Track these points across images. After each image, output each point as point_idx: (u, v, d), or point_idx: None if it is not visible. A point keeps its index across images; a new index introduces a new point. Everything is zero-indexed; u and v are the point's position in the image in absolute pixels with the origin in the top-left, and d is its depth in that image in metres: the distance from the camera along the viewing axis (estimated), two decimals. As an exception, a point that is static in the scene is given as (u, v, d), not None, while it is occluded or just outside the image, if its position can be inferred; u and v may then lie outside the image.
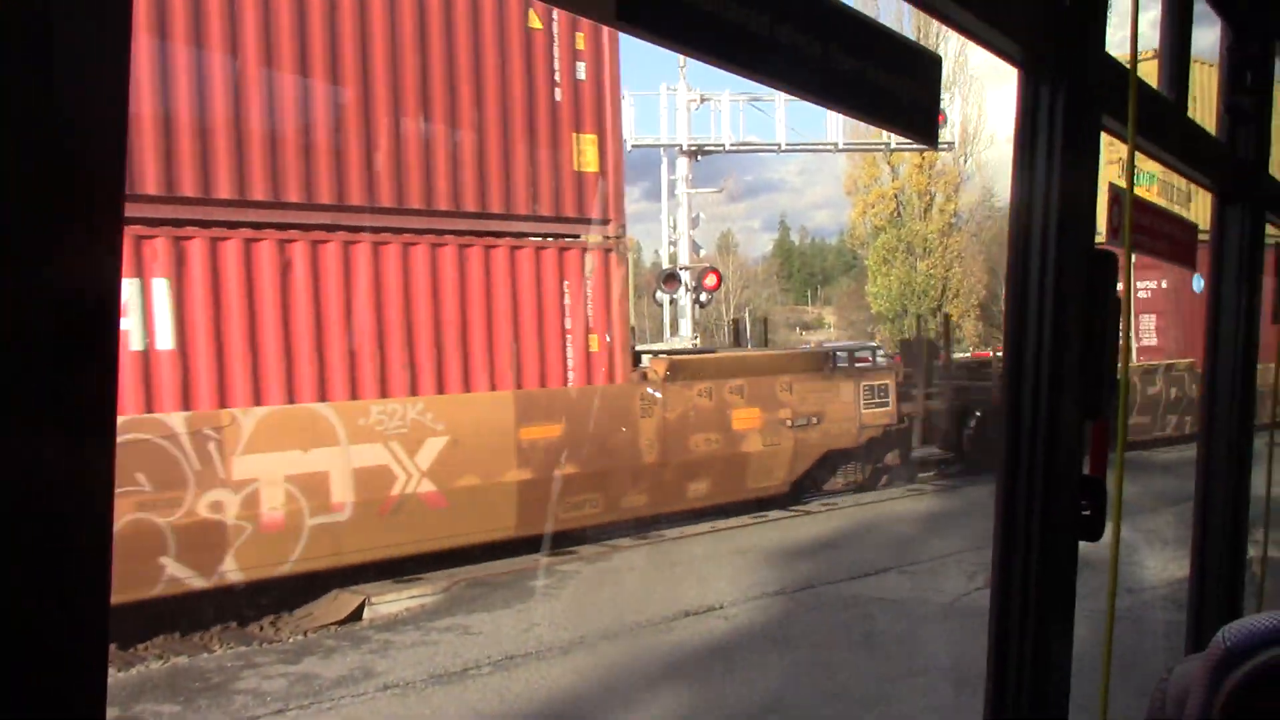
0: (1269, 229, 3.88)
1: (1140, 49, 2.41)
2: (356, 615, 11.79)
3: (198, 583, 10.80)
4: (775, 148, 26.75)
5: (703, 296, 23.40)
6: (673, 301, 23.34)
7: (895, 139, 26.91)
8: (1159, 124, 2.72)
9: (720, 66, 1.40)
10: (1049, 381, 2.17)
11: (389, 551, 12.23)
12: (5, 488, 0.71)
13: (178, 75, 10.70)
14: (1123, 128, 2.46)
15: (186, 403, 10.79)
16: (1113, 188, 2.71)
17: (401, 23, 12.11)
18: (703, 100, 25.44)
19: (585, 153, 13.74)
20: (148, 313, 10.56)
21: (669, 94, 25.30)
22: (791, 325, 69.34)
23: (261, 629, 11.78)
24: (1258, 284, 3.77)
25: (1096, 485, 2.29)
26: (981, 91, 44.76)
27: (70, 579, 0.76)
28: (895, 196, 44.77)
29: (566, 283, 13.55)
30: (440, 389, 12.50)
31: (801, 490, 17.02)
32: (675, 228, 25.41)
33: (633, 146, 25.67)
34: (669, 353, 17.16)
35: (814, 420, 16.48)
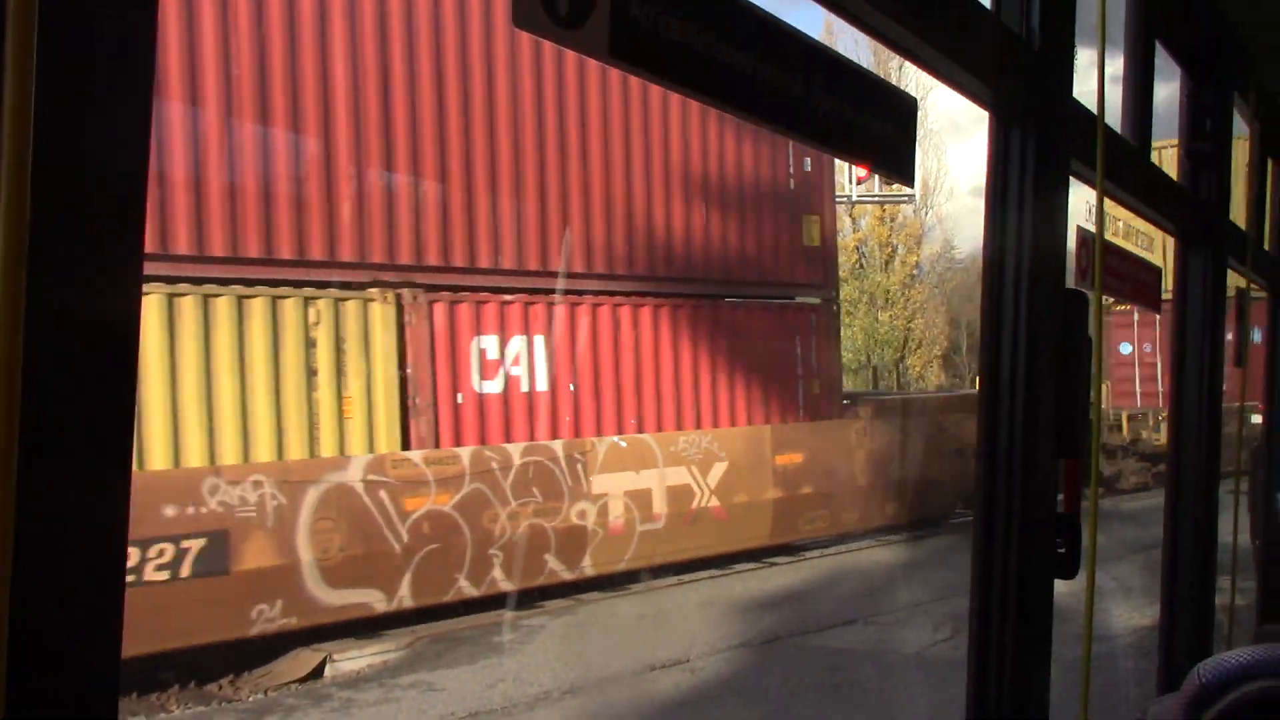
0: (1230, 275, 3.94)
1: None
2: (318, 673, 11.62)
3: (566, 575, 13.69)
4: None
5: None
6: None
7: (856, 192, 27.20)
8: (1124, 168, 2.76)
9: (707, 103, 1.42)
10: (1024, 420, 2.19)
11: (687, 554, 15.04)
12: (30, 513, 0.74)
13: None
14: (1090, 172, 2.50)
15: (555, 432, 13.70)
16: (1080, 231, 2.75)
17: (690, 142, 15.40)
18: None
19: (811, 230, 16.79)
20: (531, 363, 13.49)
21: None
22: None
23: (220, 688, 11.58)
24: (1221, 326, 3.82)
25: (1071, 523, 2.30)
26: (940, 145, 45.38)
27: (84, 599, 0.78)
28: (857, 248, 45.14)
29: (797, 337, 16.69)
30: (715, 423, 15.51)
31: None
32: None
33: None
34: (861, 395, 21.02)
35: (969, 450, 18.24)
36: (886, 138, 1.83)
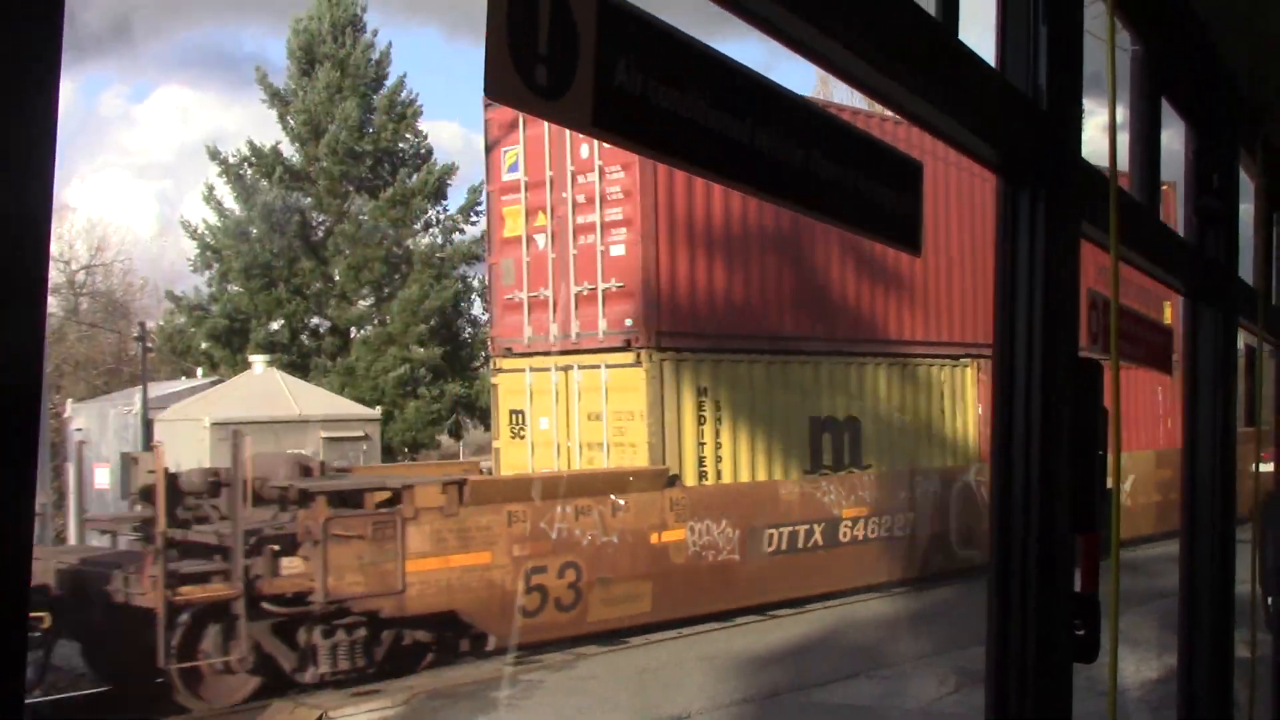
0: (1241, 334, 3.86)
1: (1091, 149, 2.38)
2: (313, 731, 11.42)
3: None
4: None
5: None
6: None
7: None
8: (1135, 229, 2.68)
9: (698, 174, 1.33)
10: (1039, 494, 2.08)
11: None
12: None
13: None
14: (1100, 233, 2.42)
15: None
16: (1090, 293, 2.66)
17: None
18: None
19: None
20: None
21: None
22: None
23: (214, 747, 11.39)
24: (1232, 382, 3.74)
25: (1090, 603, 2.19)
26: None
27: None
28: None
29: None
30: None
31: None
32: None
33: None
34: None
35: None
36: (893, 206, 1.74)
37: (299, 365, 31.42)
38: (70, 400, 27.38)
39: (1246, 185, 4.21)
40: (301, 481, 13.15)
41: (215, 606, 11.83)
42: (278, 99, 33.92)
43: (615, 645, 14.32)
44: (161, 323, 34.43)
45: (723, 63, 1.35)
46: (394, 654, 12.76)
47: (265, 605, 12.03)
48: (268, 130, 38.72)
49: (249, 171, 33.56)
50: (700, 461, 15.71)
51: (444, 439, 35.87)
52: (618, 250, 15.45)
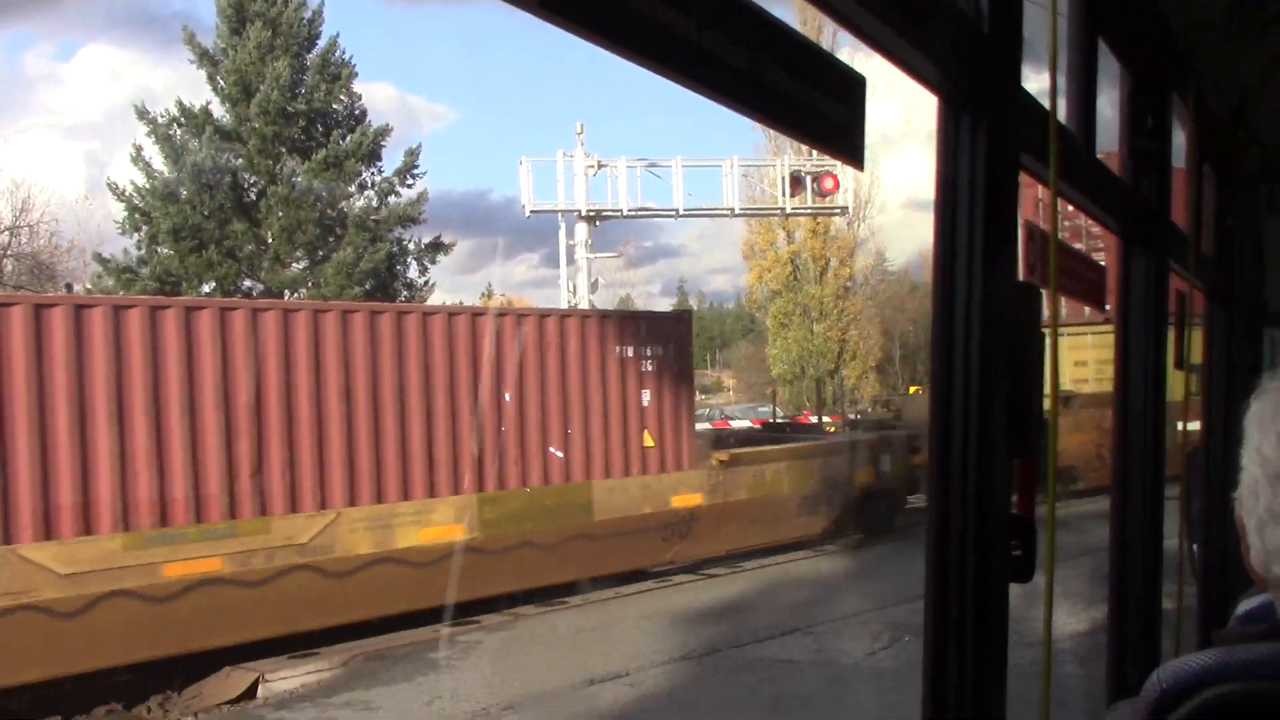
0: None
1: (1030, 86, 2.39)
2: (250, 693, 11.35)
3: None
4: (673, 213, 26.89)
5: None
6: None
7: (790, 204, 27.29)
8: (1072, 165, 2.70)
9: (646, 67, 1.31)
10: (978, 419, 2.10)
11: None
12: None
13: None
14: (1040, 166, 2.43)
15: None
16: (1028, 224, 2.69)
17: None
18: (600, 166, 25.51)
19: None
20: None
21: (566, 160, 25.34)
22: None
23: (149, 710, 11.28)
24: (1164, 328, 3.79)
25: (1026, 525, 2.22)
26: (874, 158, 45.71)
27: None
28: (791, 261, 45.35)
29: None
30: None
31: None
32: (575, 293, 25.37)
33: (531, 212, 25.69)
34: None
35: None
36: (837, 116, 1.73)
37: (232, 329, 30.94)
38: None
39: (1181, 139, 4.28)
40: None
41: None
42: (206, 58, 33.26)
43: (553, 605, 14.35)
44: (89, 286, 33.76)
45: None
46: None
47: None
48: (198, 90, 37.90)
49: (178, 132, 32.90)
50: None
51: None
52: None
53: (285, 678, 11.47)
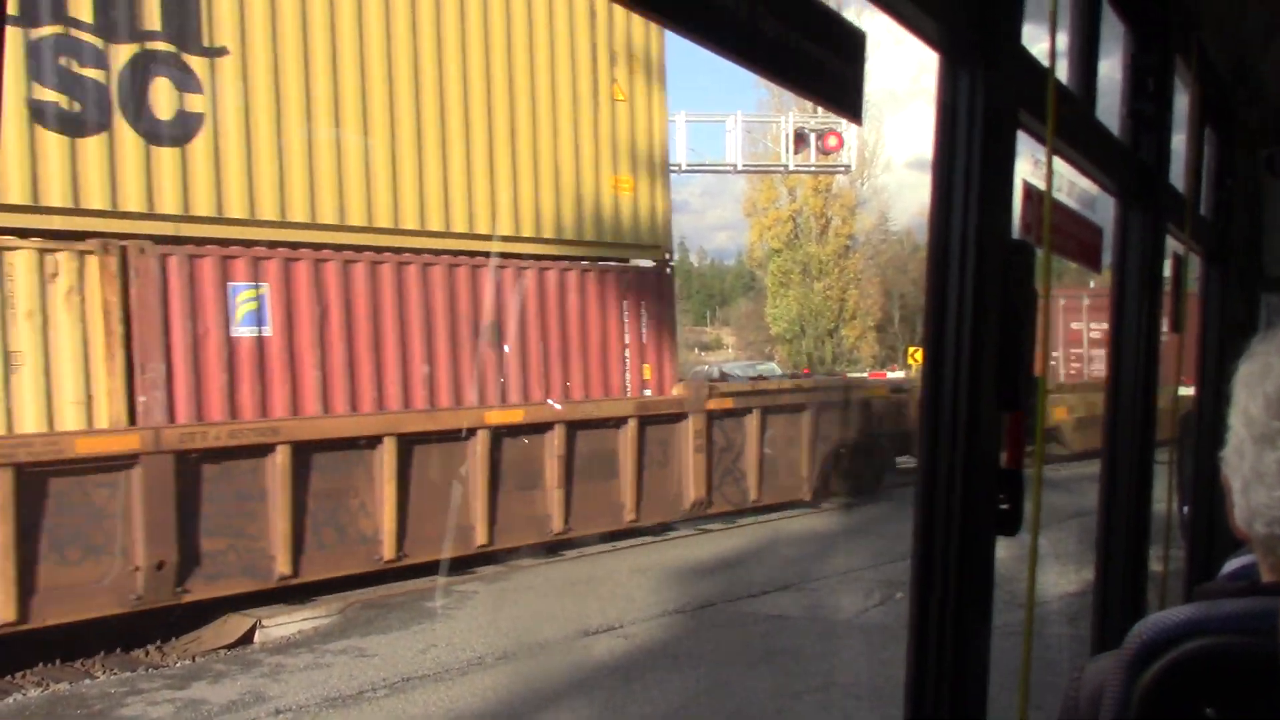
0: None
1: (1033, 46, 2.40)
2: (247, 639, 11.45)
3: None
4: (675, 168, 26.80)
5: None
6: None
7: (793, 161, 27.21)
8: (1071, 124, 2.71)
9: (645, 16, 1.33)
10: (968, 373, 2.13)
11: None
12: None
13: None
14: (1039, 124, 2.45)
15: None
16: (1026, 185, 2.71)
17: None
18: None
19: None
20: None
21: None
22: (690, 346, 69.47)
23: (147, 654, 11.37)
24: (1159, 290, 3.80)
25: (1014, 478, 2.26)
26: (879, 116, 45.49)
27: None
28: (793, 219, 45.25)
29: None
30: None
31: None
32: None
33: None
34: None
35: None
36: (835, 70, 1.75)
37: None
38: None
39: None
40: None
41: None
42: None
43: (550, 558, 14.46)
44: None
45: None
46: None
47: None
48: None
49: None
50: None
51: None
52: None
53: (282, 624, 11.57)
